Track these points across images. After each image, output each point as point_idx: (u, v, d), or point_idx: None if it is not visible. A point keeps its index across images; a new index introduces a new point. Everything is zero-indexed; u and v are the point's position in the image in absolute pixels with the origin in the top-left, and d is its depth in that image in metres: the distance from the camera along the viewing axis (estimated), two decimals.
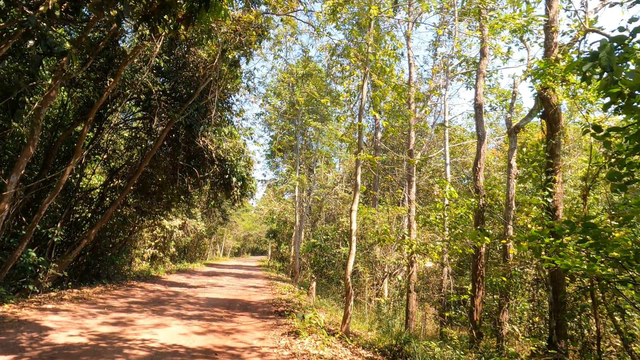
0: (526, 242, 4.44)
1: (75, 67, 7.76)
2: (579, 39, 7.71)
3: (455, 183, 20.10)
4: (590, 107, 7.92)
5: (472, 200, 8.30)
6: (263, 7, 11.42)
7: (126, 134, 14.05)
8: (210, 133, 12.53)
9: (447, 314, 10.68)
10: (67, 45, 7.87)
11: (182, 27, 4.98)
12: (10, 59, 8.13)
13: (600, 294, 5.92)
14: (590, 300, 6.28)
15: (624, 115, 3.34)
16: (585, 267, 3.83)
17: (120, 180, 13.04)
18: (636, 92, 2.99)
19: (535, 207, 7.56)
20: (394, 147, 22.56)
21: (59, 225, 10.10)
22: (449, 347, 7.03)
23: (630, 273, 3.84)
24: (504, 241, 8.24)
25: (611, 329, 6.96)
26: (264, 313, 9.61)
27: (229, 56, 11.04)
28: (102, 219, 11.18)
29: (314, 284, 12.88)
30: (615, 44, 3.07)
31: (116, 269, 14.10)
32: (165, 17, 4.89)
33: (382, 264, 15.29)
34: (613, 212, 5.80)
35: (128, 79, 10.35)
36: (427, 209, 13.65)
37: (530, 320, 9.03)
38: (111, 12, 5.72)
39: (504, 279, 7.89)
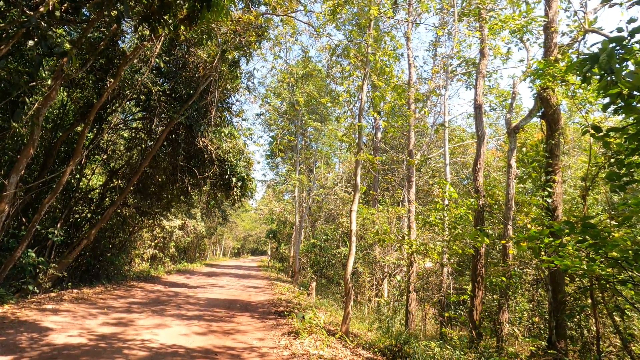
0: (526, 242, 4.44)
1: (75, 67, 7.76)
2: (579, 40, 7.73)
3: (455, 183, 20.11)
4: (589, 108, 7.94)
5: (472, 200, 8.31)
6: (263, 8, 11.42)
7: (126, 135, 14.05)
8: (210, 133, 12.53)
9: (446, 314, 10.68)
10: (67, 45, 7.87)
11: (183, 27, 4.99)
12: (10, 59, 8.12)
13: (600, 294, 5.93)
14: (589, 300, 6.28)
15: (624, 116, 3.35)
16: (585, 267, 3.83)
17: (120, 181, 13.04)
18: (635, 92, 2.99)
19: (534, 207, 7.57)
20: (394, 147, 22.55)
21: (58, 225, 10.10)
22: (448, 347, 7.03)
23: (630, 273, 3.85)
24: (503, 241, 8.25)
25: (611, 329, 6.97)
26: (263, 313, 9.61)
27: (229, 57, 11.05)
28: (101, 219, 11.17)
29: (313, 284, 12.89)
30: (614, 45, 3.08)
31: (116, 269, 14.09)
32: (166, 17, 4.90)
33: (382, 264, 15.28)
34: (612, 212, 5.82)
35: (128, 79, 10.35)
36: (427, 209, 13.67)
37: (530, 321, 9.04)
38: (111, 13, 5.74)
39: (504, 279, 7.89)
